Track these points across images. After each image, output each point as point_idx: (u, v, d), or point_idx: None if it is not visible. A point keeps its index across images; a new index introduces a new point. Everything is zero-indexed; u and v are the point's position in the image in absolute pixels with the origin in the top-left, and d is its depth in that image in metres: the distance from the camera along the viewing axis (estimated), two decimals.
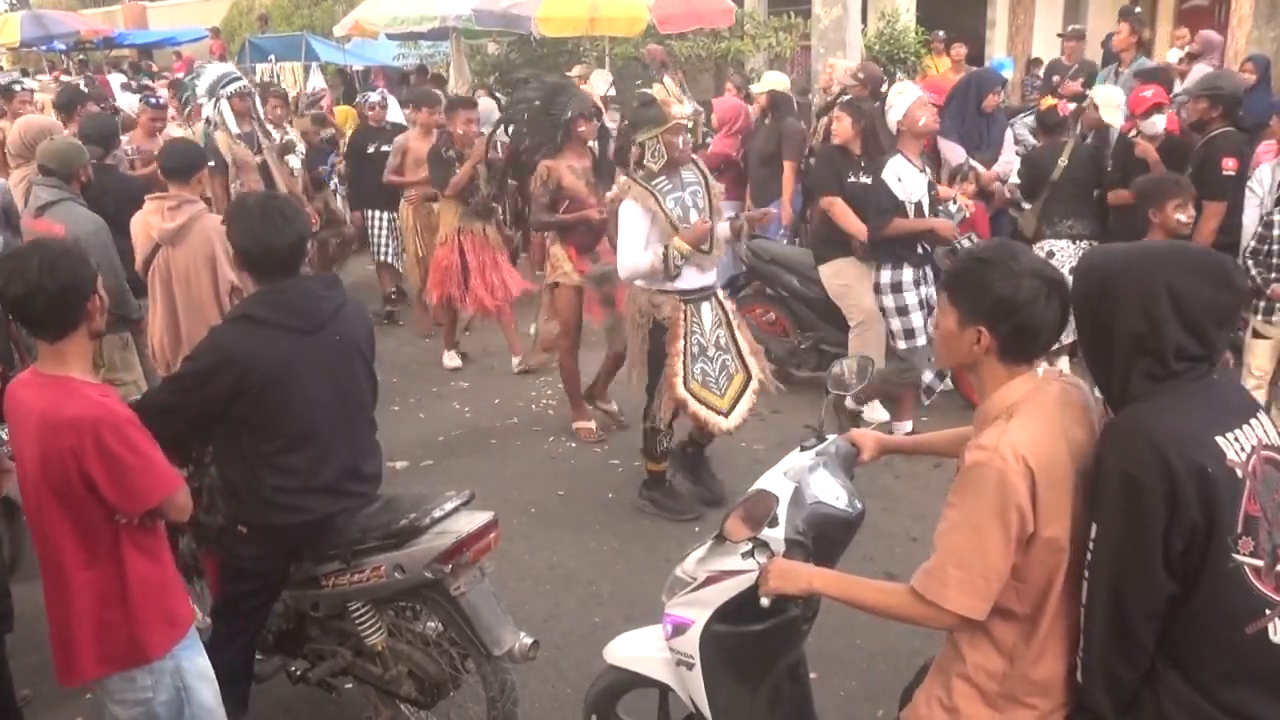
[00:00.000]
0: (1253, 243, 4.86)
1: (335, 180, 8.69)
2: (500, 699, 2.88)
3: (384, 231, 7.96)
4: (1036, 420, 1.84)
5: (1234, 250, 4.96)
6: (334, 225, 8.35)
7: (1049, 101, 6.41)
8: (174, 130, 7.27)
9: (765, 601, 2.10)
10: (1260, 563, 1.69)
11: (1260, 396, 4.74)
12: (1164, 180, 4.79)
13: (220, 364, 2.72)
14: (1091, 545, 1.78)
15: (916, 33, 12.87)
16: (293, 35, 15.81)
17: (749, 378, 4.54)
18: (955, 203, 5.59)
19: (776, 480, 2.32)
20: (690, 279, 4.36)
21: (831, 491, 2.32)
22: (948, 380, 5.50)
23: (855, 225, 5.31)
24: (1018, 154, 6.53)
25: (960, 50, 10.78)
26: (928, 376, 5.25)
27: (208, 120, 6.87)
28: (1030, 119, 6.89)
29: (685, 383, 4.36)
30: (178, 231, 4.42)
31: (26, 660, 3.33)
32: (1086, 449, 1.87)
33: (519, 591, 4.03)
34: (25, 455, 2.33)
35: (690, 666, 2.37)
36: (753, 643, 2.33)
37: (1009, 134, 6.60)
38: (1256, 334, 4.87)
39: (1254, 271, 4.78)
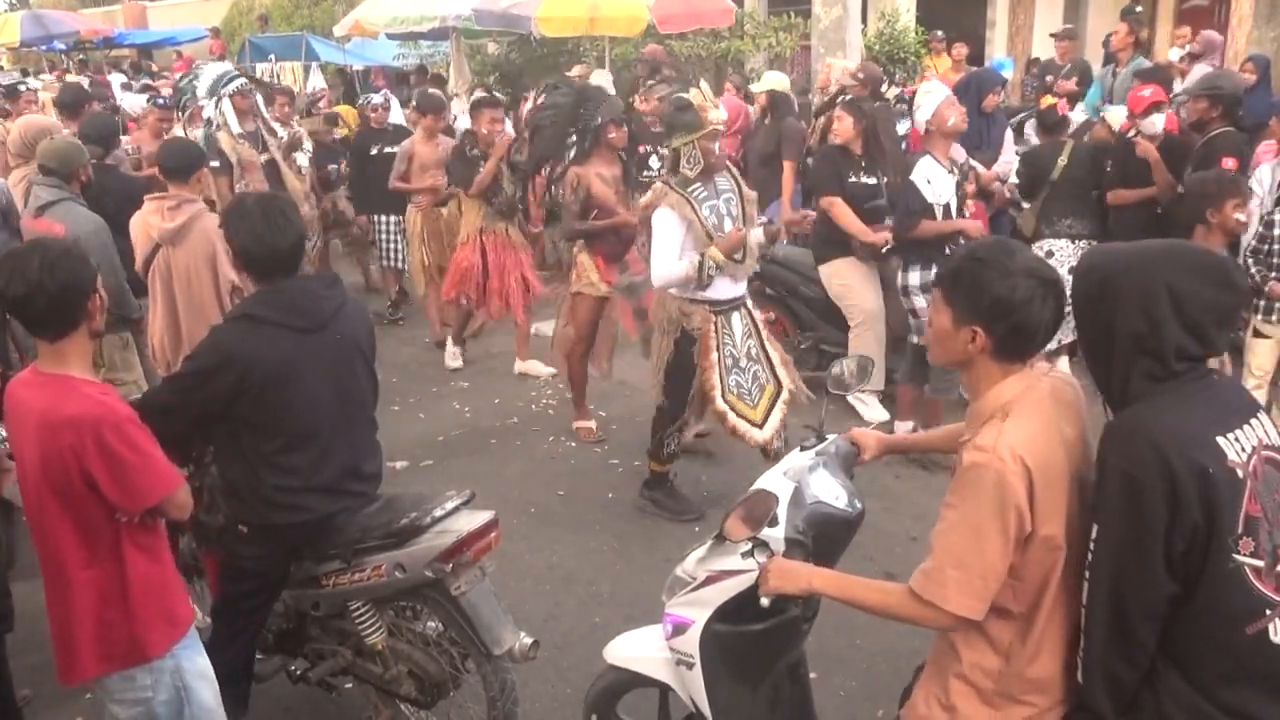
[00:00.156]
0: (1253, 242, 4.86)
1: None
2: (500, 699, 2.88)
3: (391, 235, 7.85)
4: (1033, 420, 1.84)
5: (1233, 250, 4.96)
6: (341, 227, 8.24)
7: (1049, 101, 6.40)
8: (177, 133, 7.23)
9: (765, 601, 2.11)
10: (1261, 563, 1.69)
11: (1261, 396, 4.74)
12: (1223, 178, 4.63)
13: (221, 363, 2.72)
14: (1092, 546, 1.78)
15: (916, 33, 12.87)
16: (293, 35, 15.80)
17: (780, 388, 4.48)
18: None
19: (776, 480, 2.32)
20: (722, 289, 4.29)
21: (831, 491, 2.32)
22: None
23: (856, 225, 5.31)
24: (1018, 154, 6.53)
25: (961, 50, 10.78)
26: None
27: (209, 121, 6.78)
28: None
29: (723, 395, 4.31)
30: (178, 231, 4.42)
31: (26, 660, 3.33)
32: (1079, 447, 1.88)
33: (519, 591, 4.03)
34: (25, 454, 2.33)
35: (690, 666, 2.37)
36: (753, 642, 2.33)
37: (1009, 134, 6.60)
38: (1257, 333, 4.86)
39: (1254, 270, 4.78)
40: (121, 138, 6.92)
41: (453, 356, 6.91)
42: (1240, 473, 1.69)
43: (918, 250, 5.02)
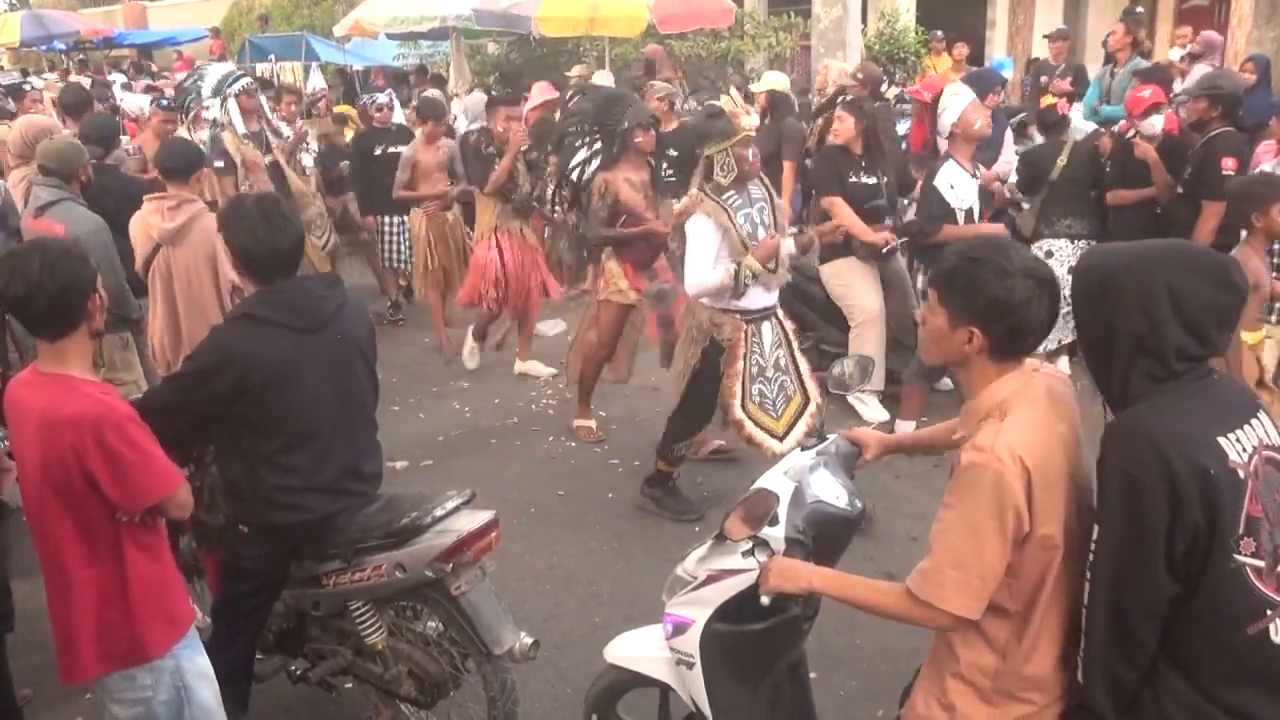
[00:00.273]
0: None
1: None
2: (500, 699, 2.88)
3: (396, 237, 7.74)
4: (1031, 419, 1.84)
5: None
6: (352, 230, 8.12)
7: (1050, 100, 6.41)
8: (181, 134, 7.17)
9: (765, 600, 2.11)
10: (1261, 563, 1.69)
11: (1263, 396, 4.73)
12: (1271, 181, 4.51)
13: (222, 363, 2.72)
14: (1093, 546, 1.78)
15: (916, 33, 12.89)
16: (293, 35, 15.82)
17: (807, 400, 4.42)
18: None
19: (777, 479, 2.33)
20: (755, 298, 4.24)
21: (832, 491, 2.32)
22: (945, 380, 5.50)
23: (857, 225, 5.31)
24: (1017, 153, 6.54)
25: (961, 50, 10.78)
26: None
27: (214, 121, 6.69)
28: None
29: (742, 404, 4.27)
30: (178, 231, 4.42)
31: (27, 660, 3.33)
32: (1073, 443, 1.89)
33: (519, 591, 4.03)
34: (26, 454, 2.33)
35: (691, 666, 2.37)
36: (753, 642, 2.33)
37: (1009, 134, 6.60)
38: None
39: None
40: (122, 138, 6.91)
41: (470, 355, 6.76)
42: (1242, 473, 1.69)
43: (938, 255, 4.96)
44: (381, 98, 8.20)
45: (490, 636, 2.81)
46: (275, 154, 6.77)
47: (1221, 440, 1.71)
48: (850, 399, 5.50)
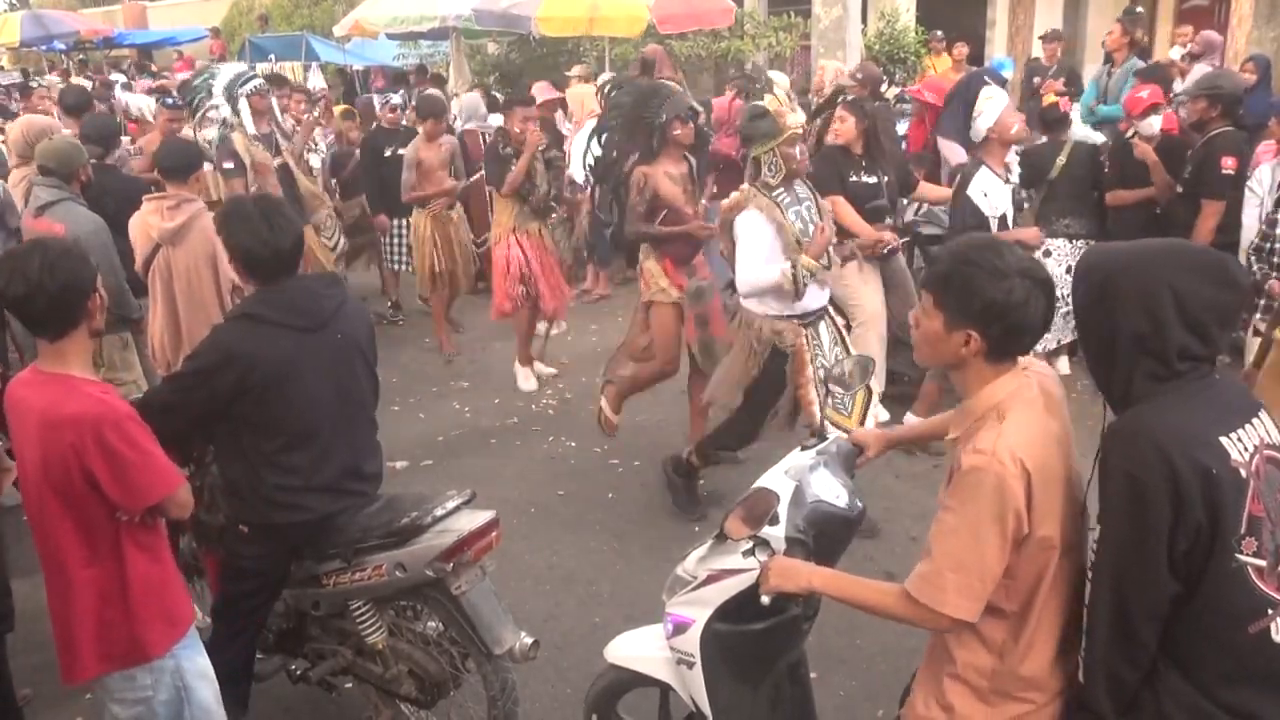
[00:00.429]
0: (1256, 240, 4.86)
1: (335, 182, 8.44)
2: (501, 698, 2.88)
3: (398, 237, 7.65)
4: (1030, 421, 1.84)
5: (1233, 250, 4.96)
6: (365, 231, 8.03)
7: (1051, 98, 6.40)
8: (187, 134, 7.06)
9: (766, 600, 2.11)
10: (1263, 563, 1.69)
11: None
12: None
13: (222, 362, 2.72)
14: (1094, 546, 1.78)
15: (916, 33, 12.89)
16: (293, 35, 15.83)
17: (870, 392, 4.35)
18: None
19: (777, 479, 2.32)
20: (811, 299, 4.16)
21: (832, 490, 2.32)
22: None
23: (859, 225, 5.30)
24: (1017, 153, 6.53)
25: (961, 50, 10.79)
26: None
27: (224, 122, 6.54)
28: None
29: (822, 409, 4.17)
30: (178, 231, 4.43)
31: (27, 660, 3.33)
32: (1066, 441, 1.89)
33: (519, 591, 4.03)
34: (26, 454, 2.33)
35: (691, 665, 2.37)
36: (753, 641, 2.33)
37: None
38: (1257, 333, 4.86)
39: (1255, 268, 4.78)
40: (123, 138, 6.90)
41: (525, 378, 6.50)
42: (1244, 472, 1.69)
43: None
44: (395, 98, 8.11)
45: (490, 636, 2.81)
46: (285, 156, 6.67)
47: (1223, 440, 1.70)
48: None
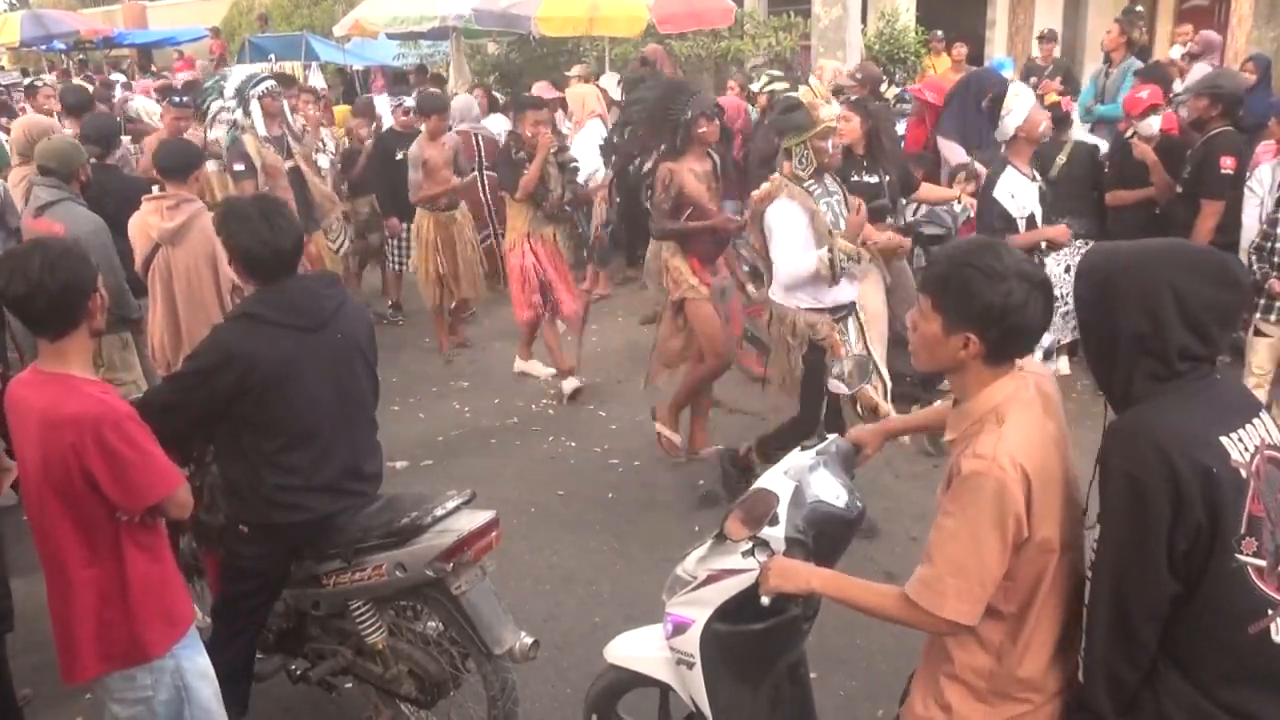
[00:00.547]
0: (1257, 239, 4.86)
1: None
2: (501, 698, 2.88)
3: (405, 240, 7.59)
4: (1029, 424, 1.84)
5: (1232, 250, 4.96)
6: (375, 230, 7.99)
7: (1053, 98, 6.41)
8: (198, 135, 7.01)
9: (765, 600, 2.11)
10: (1263, 563, 1.69)
11: (1261, 396, 4.74)
12: None
13: (222, 362, 2.72)
14: (1094, 547, 1.78)
15: (916, 33, 12.89)
16: (293, 35, 15.82)
17: (886, 386, 4.37)
18: (960, 203, 5.57)
19: (777, 479, 2.32)
20: (843, 292, 4.15)
21: (832, 490, 2.32)
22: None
23: (871, 231, 5.29)
24: None
25: (960, 50, 10.80)
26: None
27: (235, 124, 6.48)
28: None
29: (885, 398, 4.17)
30: (177, 231, 4.42)
31: (27, 660, 3.34)
32: (1063, 441, 1.89)
33: (519, 591, 4.03)
34: (27, 454, 2.33)
35: (691, 665, 2.37)
36: (753, 642, 2.33)
37: None
38: (1258, 332, 4.86)
39: (1256, 267, 4.78)
40: (123, 138, 6.89)
41: (569, 384, 6.28)
42: (1244, 472, 1.69)
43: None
44: (410, 101, 8.04)
45: (490, 636, 2.81)
46: (296, 159, 6.60)
47: (1224, 440, 1.70)
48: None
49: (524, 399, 6.34)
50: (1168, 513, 1.67)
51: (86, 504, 2.29)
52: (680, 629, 2.38)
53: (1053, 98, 6.43)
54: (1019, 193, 4.67)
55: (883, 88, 7.74)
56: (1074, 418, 4.43)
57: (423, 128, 6.87)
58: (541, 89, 8.81)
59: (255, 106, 6.42)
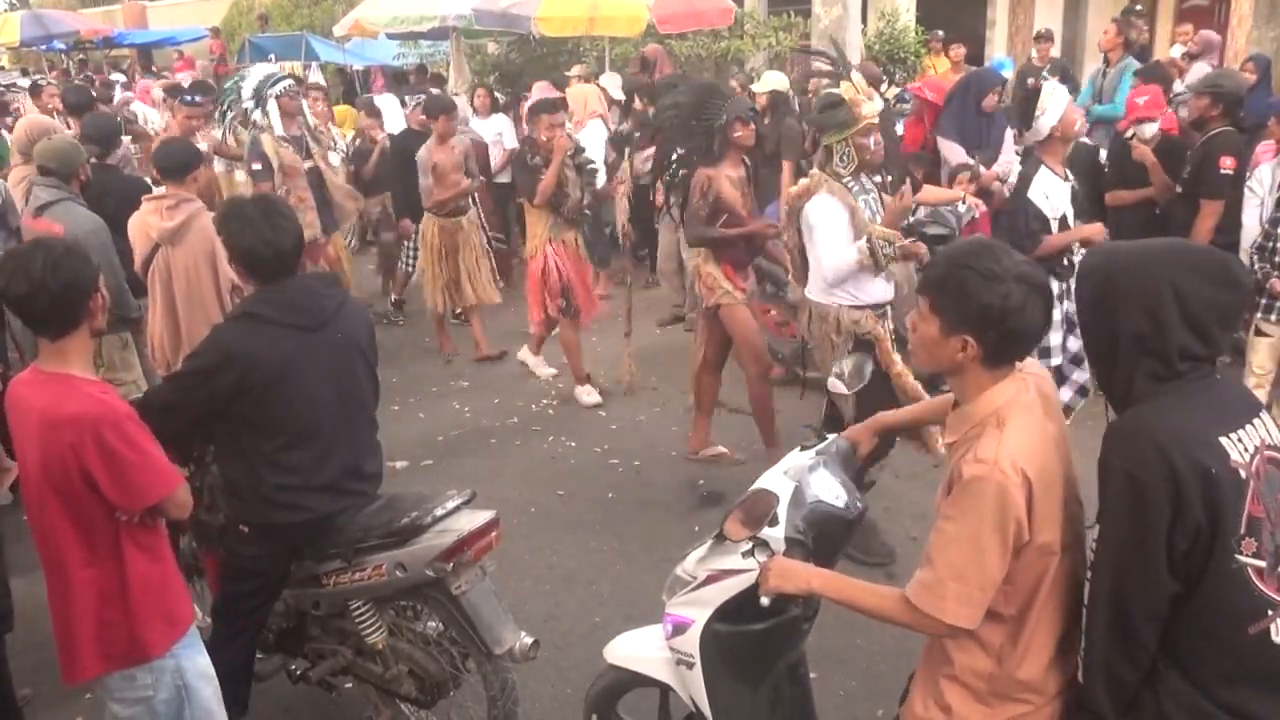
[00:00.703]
0: (1259, 239, 4.86)
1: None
2: (501, 698, 2.88)
3: (414, 242, 7.51)
4: (1030, 427, 1.84)
5: (1232, 250, 4.96)
6: (388, 229, 7.95)
7: None
8: (215, 135, 6.99)
9: (765, 601, 2.10)
10: (1263, 563, 1.69)
11: (1261, 396, 4.74)
12: None
13: (222, 362, 2.72)
14: (1094, 547, 1.78)
15: (916, 33, 12.88)
16: (293, 35, 15.82)
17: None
18: (965, 203, 5.56)
19: (777, 479, 2.32)
20: (880, 290, 4.09)
21: (831, 491, 2.32)
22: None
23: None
24: (1017, 153, 6.53)
25: (960, 50, 10.79)
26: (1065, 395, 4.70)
27: (254, 124, 6.44)
28: None
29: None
30: (177, 230, 4.42)
31: (27, 660, 3.34)
32: (1063, 442, 1.89)
33: (519, 591, 4.03)
34: (26, 453, 2.33)
35: (691, 666, 2.37)
36: (753, 642, 2.33)
37: (1009, 133, 6.59)
38: (1259, 332, 4.86)
39: (1257, 267, 4.78)
40: (123, 138, 6.88)
41: (588, 393, 6.23)
42: (1244, 473, 1.69)
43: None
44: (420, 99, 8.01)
45: (490, 636, 2.81)
46: (315, 159, 6.53)
47: (1223, 440, 1.70)
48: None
49: (524, 399, 6.34)
50: (1167, 513, 1.67)
51: (86, 504, 2.29)
52: (680, 629, 2.38)
53: None
54: (1053, 193, 4.56)
55: (882, 88, 7.72)
56: (1075, 418, 4.46)
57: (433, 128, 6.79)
58: (542, 89, 8.80)
59: (273, 106, 6.37)
